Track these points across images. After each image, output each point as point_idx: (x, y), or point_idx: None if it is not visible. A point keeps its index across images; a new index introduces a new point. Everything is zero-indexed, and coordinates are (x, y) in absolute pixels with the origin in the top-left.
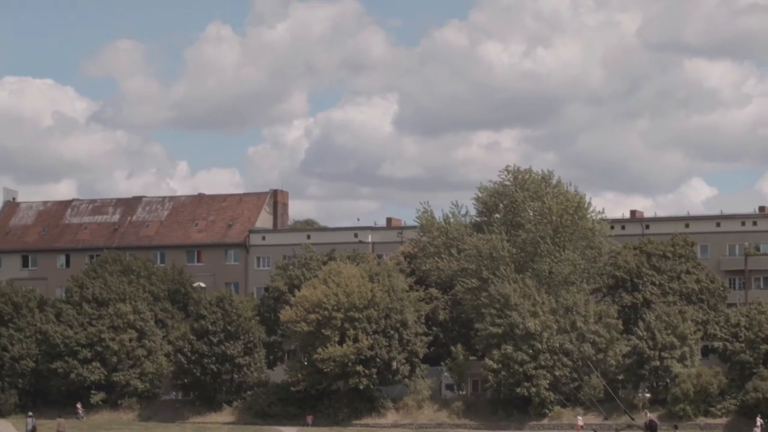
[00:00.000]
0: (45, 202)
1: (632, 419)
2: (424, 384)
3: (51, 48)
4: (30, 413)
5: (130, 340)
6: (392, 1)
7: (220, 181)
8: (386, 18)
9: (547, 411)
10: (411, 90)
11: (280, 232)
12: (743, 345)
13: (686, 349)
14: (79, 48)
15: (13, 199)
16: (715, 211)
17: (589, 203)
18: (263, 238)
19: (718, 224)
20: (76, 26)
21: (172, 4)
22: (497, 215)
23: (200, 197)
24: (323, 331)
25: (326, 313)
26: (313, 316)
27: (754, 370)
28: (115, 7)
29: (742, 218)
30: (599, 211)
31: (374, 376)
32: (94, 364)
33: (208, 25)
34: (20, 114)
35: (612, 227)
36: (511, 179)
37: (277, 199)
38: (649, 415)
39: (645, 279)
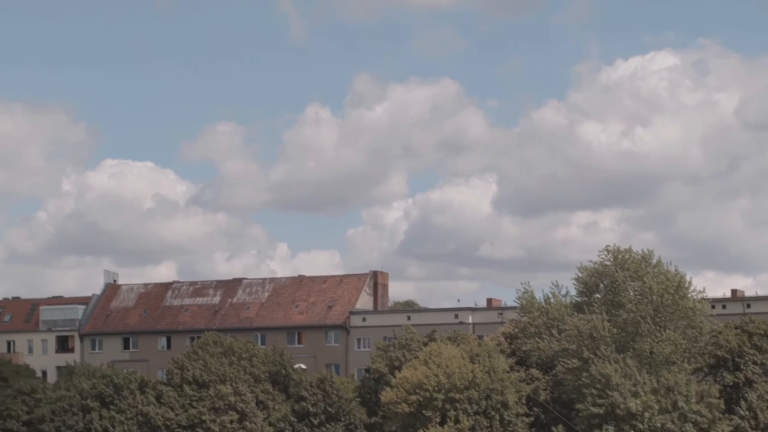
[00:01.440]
0: (146, 284)
1: None
2: None
3: (151, 131)
4: None
5: (231, 422)
6: (490, 82)
7: (321, 262)
8: (484, 99)
9: None
10: (509, 170)
11: (381, 313)
12: None
13: None
14: (179, 131)
15: (115, 281)
16: None
17: (690, 282)
18: (363, 319)
19: None
20: (177, 110)
21: (272, 87)
22: (597, 295)
23: (300, 279)
24: (424, 412)
25: (427, 394)
26: (413, 398)
27: None
28: (215, 91)
29: None
30: (700, 291)
31: None
32: None
33: (307, 107)
34: (121, 197)
35: (713, 306)
36: (611, 259)
37: (377, 281)
38: None
39: (746, 358)
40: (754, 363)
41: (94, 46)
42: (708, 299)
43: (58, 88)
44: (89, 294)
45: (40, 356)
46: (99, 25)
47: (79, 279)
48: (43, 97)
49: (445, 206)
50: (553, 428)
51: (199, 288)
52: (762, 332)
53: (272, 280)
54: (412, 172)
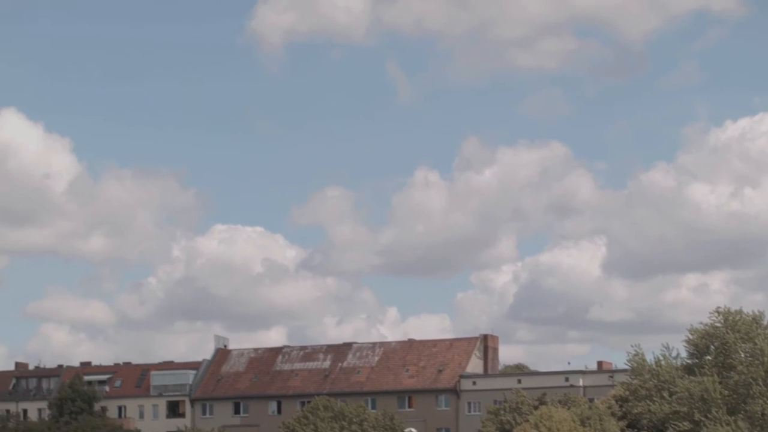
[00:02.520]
0: (256, 349)
1: None
2: None
3: (261, 196)
4: None
5: None
6: (599, 144)
7: (430, 326)
8: (593, 161)
9: None
10: (618, 233)
11: (491, 377)
12: None
13: None
14: (288, 196)
15: (225, 346)
16: None
17: None
18: (474, 383)
19: None
20: (286, 174)
21: (380, 152)
22: (708, 357)
23: (410, 343)
24: None
25: None
26: None
27: None
28: (324, 155)
29: None
30: None
31: None
32: None
33: (415, 171)
34: (231, 262)
35: None
36: (722, 321)
37: (487, 344)
38: None
39: None
40: None
41: (203, 110)
42: None
43: (167, 154)
44: (200, 359)
45: (151, 421)
46: (208, 89)
47: (189, 344)
48: (153, 163)
49: (555, 269)
50: None
51: (310, 352)
52: None
53: (382, 344)
54: (521, 235)
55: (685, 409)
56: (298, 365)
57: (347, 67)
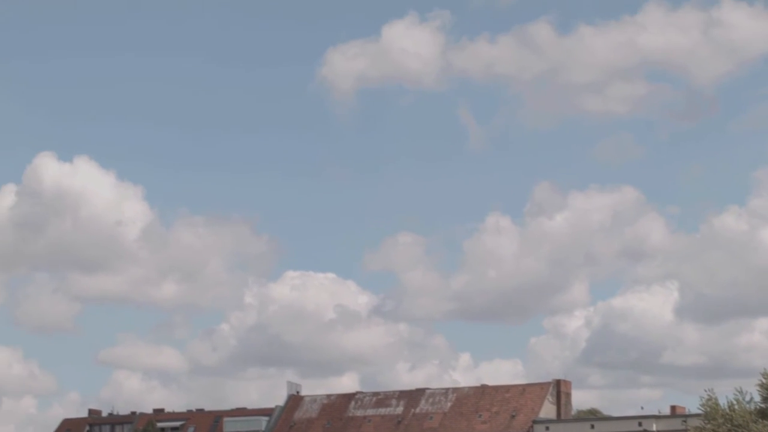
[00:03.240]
0: (329, 395)
1: None
2: None
3: (333, 242)
4: None
5: None
6: (671, 189)
7: (503, 371)
8: (665, 205)
9: None
10: (690, 277)
11: (564, 422)
12: None
13: None
14: (360, 242)
15: (297, 392)
16: None
17: None
18: (547, 428)
19: None
20: (358, 220)
21: (452, 197)
22: None
23: (483, 388)
24: None
25: None
26: None
27: None
28: (396, 202)
29: None
30: None
31: None
32: None
33: (487, 217)
34: (303, 308)
35: None
36: None
37: (559, 389)
38: None
39: None
40: None
41: (275, 156)
42: None
43: (239, 200)
44: (272, 405)
45: None
46: (279, 135)
47: (262, 390)
48: (225, 210)
49: (627, 314)
50: None
51: (382, 398)
52: None
53: (455, 389)
54: (593, 279)
55: None
56: (370, 411)
57: (418, 112)
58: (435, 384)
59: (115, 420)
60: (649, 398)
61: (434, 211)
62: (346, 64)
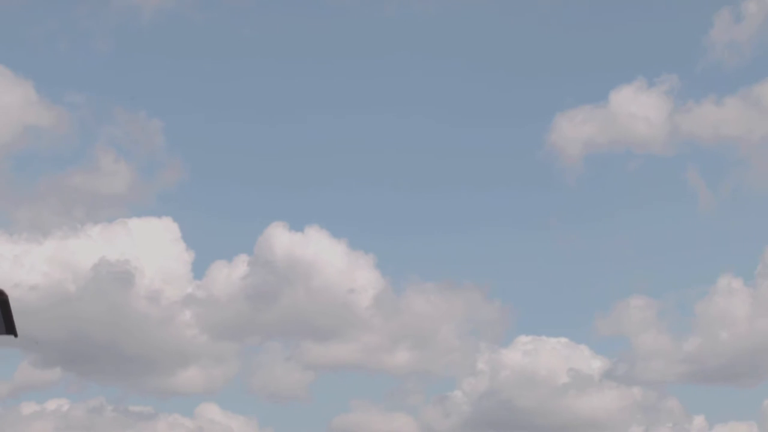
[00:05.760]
0: None
1: None
2: None
3: (565, 307)
4: None
5: None
6: None
7: None
8: None
9: None
10: None
11: None
12: None
13: None
14: (592, 306)
15: None
16: None
17: None
18: None
19: None
20: (590, 285)
21: (683, 260)
22: None
23: None
24: None
25: None
26: None
27: None
28: (627, 265)
29: None
30: None
31: None
32: None
33: (718, 279)
34: (535, 373)
35: None
36: None
37: None
38: None
39: None
40: None
41: (505, 221)
42: None
43: (470, 266)
44: None
45: None
46: (508, 200)
47: None
48: (457, 276)
49: None
50: None
51: None
52: None
53: None
54: None
55: None
56: None
57: (646, 176)
58: None
59: None
60: None
61: (666, 274)
62: (574, 130)
